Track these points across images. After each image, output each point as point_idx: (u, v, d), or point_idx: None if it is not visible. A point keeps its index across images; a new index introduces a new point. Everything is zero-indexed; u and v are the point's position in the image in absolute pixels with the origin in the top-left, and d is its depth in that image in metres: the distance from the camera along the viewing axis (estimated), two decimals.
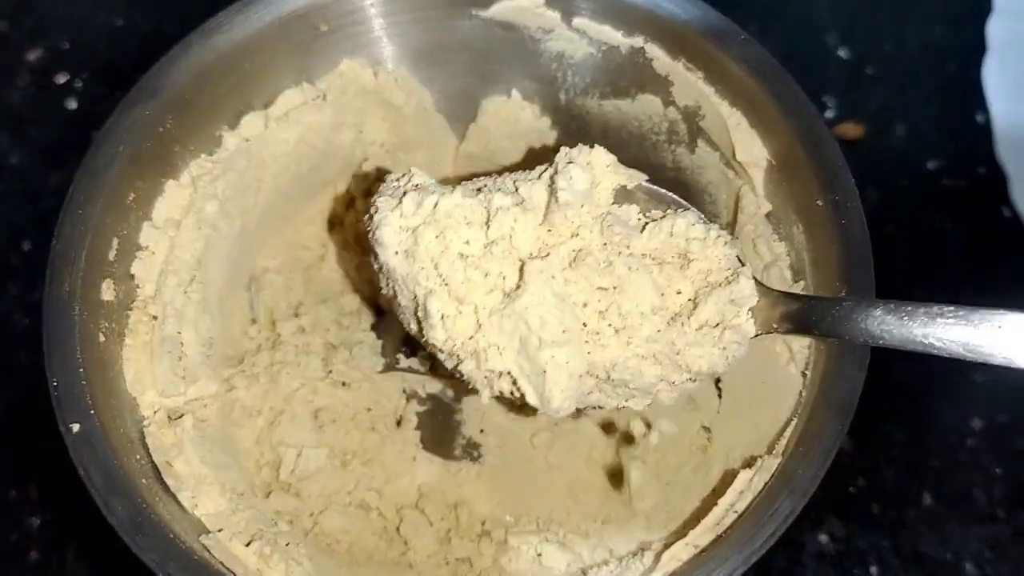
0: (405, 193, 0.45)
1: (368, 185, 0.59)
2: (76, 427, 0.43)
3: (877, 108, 0.75)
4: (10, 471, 0.62)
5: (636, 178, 0.47)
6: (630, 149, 0.58)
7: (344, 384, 0.55)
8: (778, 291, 0.46)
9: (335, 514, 0.53)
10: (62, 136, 0.74)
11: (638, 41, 0.54)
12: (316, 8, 0.54)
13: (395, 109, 0.58)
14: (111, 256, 0.49)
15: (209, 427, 0.50)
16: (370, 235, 0.45)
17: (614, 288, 0.44)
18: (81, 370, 0.44)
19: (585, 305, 0.44)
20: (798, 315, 0.44)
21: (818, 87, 0.75)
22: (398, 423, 0.57)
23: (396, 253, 0.45)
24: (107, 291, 0.48)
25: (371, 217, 0.45)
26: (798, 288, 0.49)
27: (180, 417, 0.49)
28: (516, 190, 0.45)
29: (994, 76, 0.73)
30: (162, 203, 0.51)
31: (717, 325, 0.44)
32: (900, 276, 0.67)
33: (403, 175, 0.47)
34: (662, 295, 0.44)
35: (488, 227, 0.44)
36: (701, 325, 0.44)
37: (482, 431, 0.58)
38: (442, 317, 0.44)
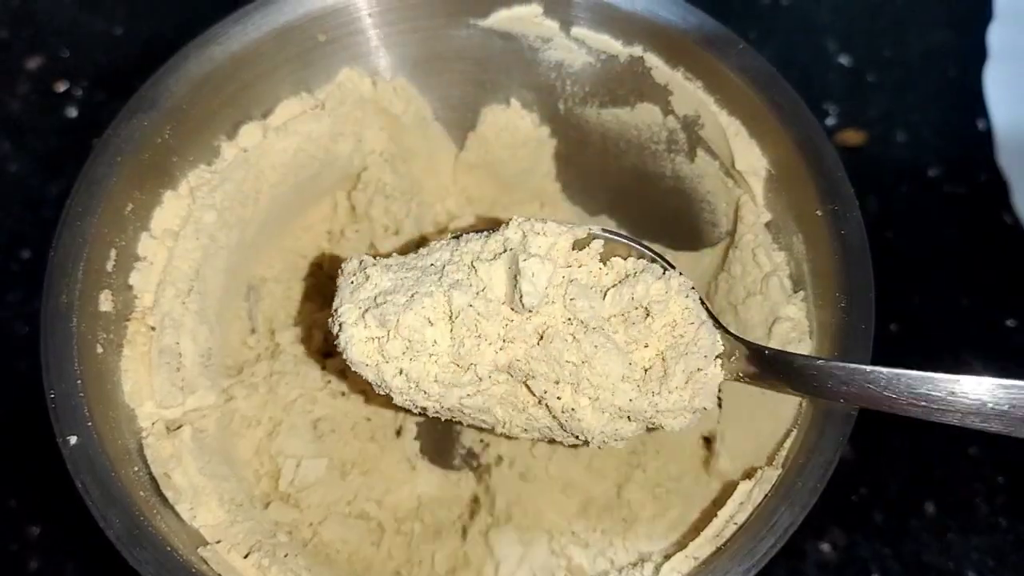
0: (367, 310, 0.44)
1: (369, 196, 0.59)
2: (73, 439, 0.43)
3: (878, 115, 0.75)
4: (10, 479, 0.62)
5: (590, 230, 0.47)
6: (629, 158, 0.58)
7: (343, 394, 0.55)
8: (743, 341, 0.46)
9: (334, 524, 0.53)
10: (62, 144, 0.74)
11: (637, 50, 0.54)
12: (314, 18, 0.53)
13: (394, 118, 0.58)
14: (109, 267, 0.48)
15: (208, 438, 0.50)
16: (338, 348, 0.45)
17: (583, 362, 0.44)
18: (79, 382, 0.44)
19: (557, 382, 0.45)
20: (760, 365, 0.45)
21: (819, 94, 0.75)
22: (398, 433, 0.57)
23: (367, 366, 0.45)
24: (105, 302, 0.48)
25: (336, 333, 0.45)
26: (798, 298, 0.49)
27: (179, 428, 0.49)
28: (475, 270, 0.45)
29: (995, 82, 0.73)
30: (160, 213, 0.51)
31: (687, 383, 0.45)
32: (901, 282, 0.68)
33: (359, 265, 0.46)
34: (630, 363, 0.45)
35: (452, 323, 0.44)
36: (671, 391, 0.45)
37: (482, 441, 0.58)
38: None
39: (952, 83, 0.76)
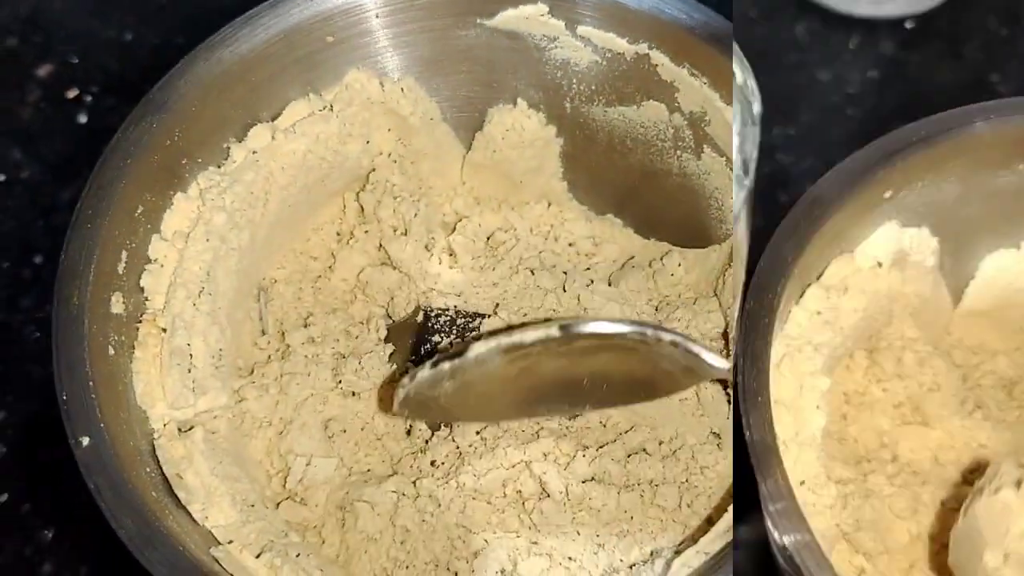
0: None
1: (377, 197, 0.59)
2: (85, 441, 0.43)
3: None
4: (23, 484, 0.62)
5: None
6: (636, 156, 0.58)
7: (354, 394, 0.55)
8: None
9: None
10: (73, 150, 0.75)
11: (643, 48, 0.54)
12: (322, 20, 0.54)
13: (402, 119, 0.59)
14: (120, 269, 0.49)
15: (219, 439, 0.50)
16: None
17: None
18: (90, 383, 0.44)
19: None
20: None
21: None
22: (408, 433, 0.57)
23: None
24: (116, 304, 0.48)
25: None
26: None
27: (190, 429, 0.49)
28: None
29: None
30: (170, 216, 0.51)
31: None
32: None
33: None
34: None
35: None
36: None
37: None
38: None
39: None
